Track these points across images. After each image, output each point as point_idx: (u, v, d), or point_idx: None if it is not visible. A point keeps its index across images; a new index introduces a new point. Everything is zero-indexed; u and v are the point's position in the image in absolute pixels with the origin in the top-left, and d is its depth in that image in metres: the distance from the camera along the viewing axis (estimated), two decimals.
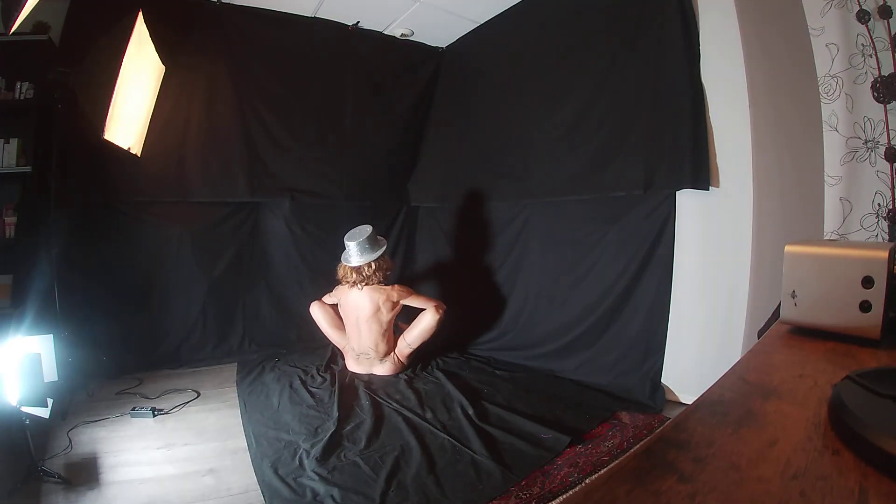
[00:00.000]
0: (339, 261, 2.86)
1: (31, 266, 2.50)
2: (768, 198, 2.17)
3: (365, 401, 2.38)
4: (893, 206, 1.70)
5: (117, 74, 2.54)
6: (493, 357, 3.13)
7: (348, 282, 2.79)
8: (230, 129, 3.19)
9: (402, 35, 3.66)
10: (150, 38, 2.70)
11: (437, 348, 3.24)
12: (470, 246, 3.62)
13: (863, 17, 1.72)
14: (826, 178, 1.86)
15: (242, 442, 2.04)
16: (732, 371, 0.61)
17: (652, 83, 2.43)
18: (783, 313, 0.75)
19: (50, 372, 2.11)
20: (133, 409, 2.26)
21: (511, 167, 3.24)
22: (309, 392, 2.51)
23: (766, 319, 0.97)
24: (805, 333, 0.73)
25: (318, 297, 3.07)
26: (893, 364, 0.61)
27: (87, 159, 2.70)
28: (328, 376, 2.74)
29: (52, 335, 2.23)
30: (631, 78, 2.53)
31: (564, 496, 1.63)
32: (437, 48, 3.90)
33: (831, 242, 0.79)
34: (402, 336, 2.89)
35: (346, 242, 2.81)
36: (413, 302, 2.86)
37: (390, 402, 2.37)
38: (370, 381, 2.70)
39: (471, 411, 2.21)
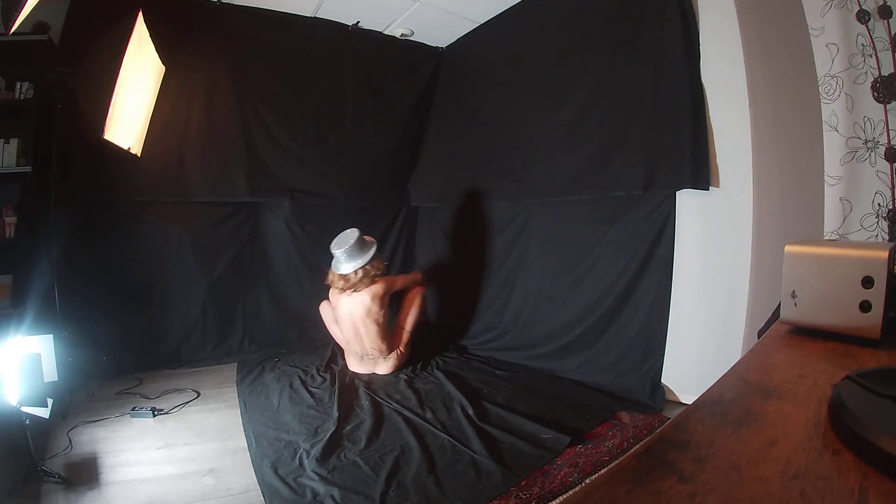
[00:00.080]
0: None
1: (31, 266, 2.50)
2: (768, 198, 2.17)
3: (365, 401, 2.38)
4: (893, 206, 1.70)
5: (117, 74, 2.54)
6: (493, 357, 3.13)
7: (337, 287, 2.79)
8: (230, 129, 3.19)
9: (402, 35, 3.66)
10: (150, 38, 2.70)
11: (437, 348, 3.25)
12: (470, 246, 3.62)
13: (863, 17, 1.72)
14: (826, 178, 1.86)
15: (242, 442, 2.04)
16: (732, 371, 0.61)
17: (652, 83, 2.43)
18: (783, 313, 0.75)
19: (50, 372, 2.11)
20: (133, 409, 2.26)
21: (511, 167, 3.24)
22: (309, 392, 2.51)
23: (766, 319, 0.97)
24: (805, 333, 0.73)
25: (318, 297, 3.07)
26: (893, 364, 0.61)
27: (87, 159, 2.70)
28: (328, 376, 2.74)
29: (52, 335, 2.23)
30: (631, 78, 2.53)
31: (564, 496, 1.63)
32: (437, 48, 3.90)
33: (831, 242, 0.79)
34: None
35: (332, 251, 2.79)
36: (397, 286, 2.90)
37: (390, 402, 2.37)
38: (370, 380, 2.70)
39: (471, 411, 2.21)
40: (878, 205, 1.73)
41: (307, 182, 3.47)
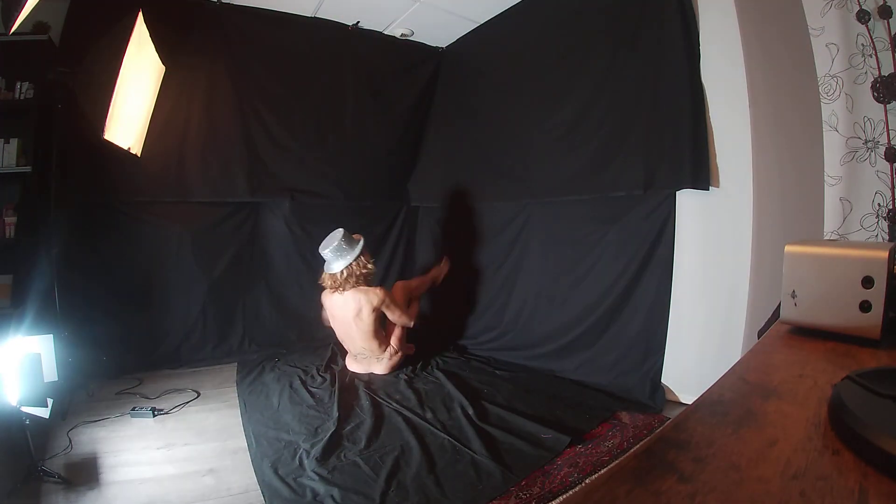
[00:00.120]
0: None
1: (31, 266, 2.50)
2: (768, 198, 2.17)
3: (365, 401, 2.38)
4: (893, 206, 1.70)
5: (117, 74, 2.54)
6: (493, 357, 3.13)
7: (327, 286, 2.78)
8: (230, 129, 3.19)
9: (402, 35, 3.66)
10: (150, 38, 2.70)
11: (437, 348, 3.25)
12: (470, 246, 3.62)
13: (863, 17, 1.72)
14: (826, 178, 1.86)
15: (242, 442, 2.04)
16: (732, 371, 0.61)
17: (652, 83, 2.43)
18: (783, 313, 0.75)
19: (50, 372, 2.11)
20: (133, 409, 2.26)
21: (511, 167, 3.24)
22: (309, 392, 2.51)
23: (766, 319, 0.97)
24: (805, 333, 0.73)
25: (318, 298, 3.07)
26: (893, 364, 0.61)
27: (87, 159, 2.70)
28: (328, 376, 2.74)
29: (52, 335, 2.23)
30: (631, 78, 2.53)
31: (564, 496, 1.63)
32: (437, 48, 3.90)
33: (831, 242, 0.79)
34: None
35: (320, 252, 2.78)
36: (388, 312, 2.81)
37: (390, 402, 2.37)
38: (370, 380, 2.70)
39: (471, 411, 2.21)
40: (878, 205, 1.73)
41: (307, 182, 3.47)
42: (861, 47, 1.74)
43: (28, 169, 2.53)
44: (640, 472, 0.38)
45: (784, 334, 0.75)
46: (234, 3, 3.12)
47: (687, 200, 2.39)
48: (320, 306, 2.92)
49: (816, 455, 0.39)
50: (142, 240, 3.00)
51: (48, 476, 1.66)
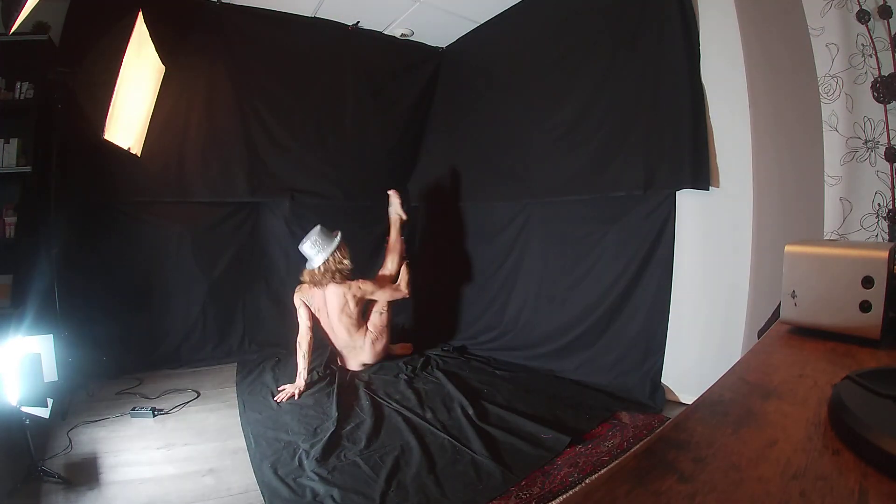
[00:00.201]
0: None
1: (31, 266, 2.50)
2: (768, 198, 2.17)
3: (365, 401, 2.38)
4: (893, 206, 1.70)
5: (117, 74, 2.55)
6: (493, 357, 3.13)
7: (306, 282, 2.79)
8: (230, 129, 3.19)
9: (402, 35, 3.66)
10: (150, 38, 2.71)
11: (437, 348, 3.25)
12: (470, 246, 3.62)
13: (863, 17, 1.72)
14: (826, 178, 1.86)
15: (242, 442, 2.04)
16: (732, 371, 0.61)
17: (652, 83, 2.43)
18: (783, 313, 0.75)
19: (50, 372, 2.11)
20: (133, 409, 2.26)
21: (511, 167, 3.24)
22: (308, 392, 2.51)
23: (766, 319, 0.97)
24: (805, 333, 0.73)
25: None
26: (893, 364, 0.61)
27: (87, 159, 2.70)
28: (328, 376, 2.73)
29: (52, 335, 2.23)
30: (631, 78, 2.53)
31: (564, 496, 1.63)
32: (437, 48, 3.89)
33: (831, 242, 0.79)
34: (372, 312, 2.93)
35: (300, 249, 2.81)
36: (380, 295, 2.89)
37: (390, 402, 2.37)
38: (370, 380, 2.70)
39: (471, 411, 2.21)
40: (878, 205, 1.73)
41: (307, 182, 3.47)
42: (861, 47, 1.74)
43: (28, 169, 2.53)
44: (640, 472, 0.38)
45: (784, 334, 0.75)
46: (234, 3, 3.12)
47: (687, 200, 2.39)
48: (292, 316, 2.83)
49: (816, 455, 0.39)
50: (142, 240, 3.00)
51: (48, 476, 1.66)
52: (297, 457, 1.86)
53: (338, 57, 3.52)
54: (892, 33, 1.67)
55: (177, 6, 2.97)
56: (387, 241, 3.21)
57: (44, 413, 1.79)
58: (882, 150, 1.72)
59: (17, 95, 2.57)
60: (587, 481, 1.74)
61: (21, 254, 2.53)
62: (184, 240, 3.11)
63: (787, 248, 0.74)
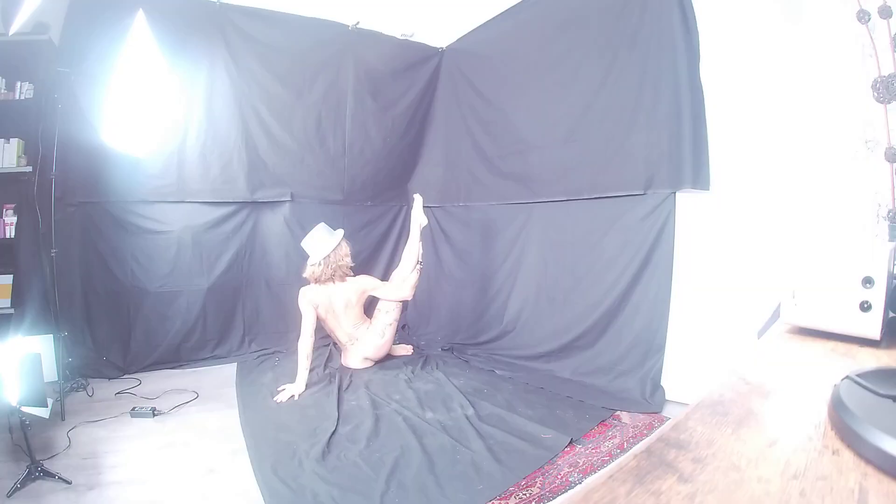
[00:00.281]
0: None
1: (31, 266, 2.50)
2: (768, 198, 2.17)
3: (365, 401, 2.38)
4: (893, 206, 1.70)
5: (117, 74, 2.55)
6: (493, 357, 3.13)
7: (308, 276, 2.82)
8: (230, 129, 3.19)
9: (402, 35, 3.66)
10: (150, 38, 2.71)
11: (437, 348, 3.25)
12: (470, 246, 3.62)
13: (863, 17, 1.72)
14: (826, 178, 1.86)
15: (242, 442, 2.03)
16: (732, 371, 0.61)
17: (652, 83, 2.43)
18: (783, 313, 0.75)
19: (50, 372, 2.11)
20: (133, 409, 2.26)
21: (511, 167, 3.24)
22: (308, 392, 2.51)
23: (766, 319, 0.97)
24: (805, 333, 0.74)
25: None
26: (893, 364, 0.61)
27: (87, 159, 2.70)
28: (328, 376, 2.73)
29: (52, 335, 2.23)
30: (631, 78, 2.53)
31: (564, 496, 1.63)
32: (437, 48, 3.90)
33: (831, 242, 0.79)
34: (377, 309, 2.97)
35: (302, 245, 2.85)
36: (381, 292, 2.94)
37: (390, 402, 2.37)
38: (370, 380, 2.70)
39: (471, 411, 2.21)
40: (879, 205, 1.73)
41: (307, 182, 3.47)
42: (861, 47, 1.74)
43: (28, 169, 2.53)
44: (640, 472, 0.38)
45: (784, 334, 0.75)
46: (234, 3, 3.12)
47: (687, 200, 2.39)
48: (292, 316, 2.83)
49: (816, 455, 0.39)
50: (142, 240, 3.00)
51: (48, 476, 1.66)
52: (297, 457, 1.86)
53: (338, 57, 3.52)
54: (892, 33, 1.67)
55: (177, 6, 2.97)
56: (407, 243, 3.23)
57: (44, 413, 1.79)
58: (882, 150, 1.71)
59: (17, 95, 2.57)
60: (587, 481, 1.73)
61: (21, 254, 2.53)
62: (184, 240, 3.11)
63: (787, 249, 0.74)
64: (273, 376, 2.76)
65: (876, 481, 0.35)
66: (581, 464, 1.83)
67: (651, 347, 2.48)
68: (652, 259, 2.49)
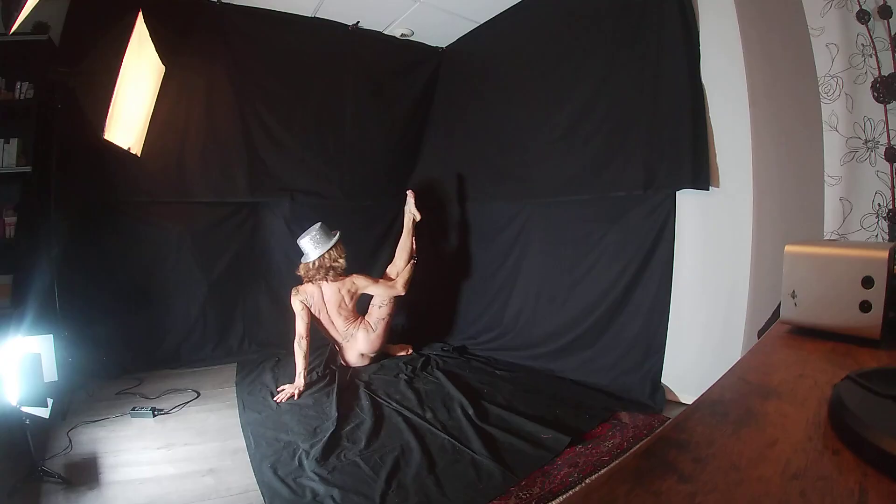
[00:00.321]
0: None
1: (31, 266, 2.50)
2: (768, 198, 2.17)
3: (365, 401, 2.38)
4: (893, 206, 1.70)
5: (117, 74, 2.54)
6: (493, 357, 3.13)
7: (301, 274, 2.85)
8: (230, 129, 3.19)
9: (402, 35, 3.66)
10: (150, 38, 2.70)
11: (437, 348, 3.25)
12: (470, 246, 3.62)
13: (863, 17, 1.72)
14: (826, 178, 1.86)
15: (242, 442, 2.04)
16: (732, 371, 0.61)
17: (652, 83, 2.43)
18: (783, 313, 0.75)
19: (50, 372, 2.11)
20: (133, 409, 2.26)
21: (511, 167, 3.24)
22: (308, 392, 2.51)
23: (766, 319, 0.97)
24: (805, 333, 0.73)
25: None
26: (893, 364, 0.61)
27: (87, 159, 2.70)
28: (327, 376, 2.73)
29: (52, 335, 2.22)
30: (631, 78, 2.53)
31: (564, 496, 1.63)
32: (437, 48, 3.89)
33: (831, 242, 0.79)
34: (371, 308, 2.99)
35: (298, 243, 2.88)
36: (375, 290, 2.95)
37: (390, 402, 2.37)
38: (370, 380, 2.70)
39: (471, 411, 2.21)
40: (878, 205, 1.73)
41: (307, 182, 3.47)
42: (861, 47, 1.74)
43: (28, 169, 2.53)
44: (640, 472, 0.38)
45: (784, 334, 0.75)
46: (234, 3, 3.12)
47: (687, 200, 2.39)
48: (292, 316, 2.79)
49: (816, 455, 0.39)
50: (142, 240, 3.00)
51: (48, 476, 1.66)
52: (297, 457, 1.86)
53: (338, 57, 3.52)
54: (892, 33, 1.67)
55: (177, 6, 2.97)
56: (399, 238, 3.27)
57: (44, 413, 1.79)
58: (882, 150, 1.71)
59: (17, 95, 2.57)
60: (587, 481, 1.73)
61: (21, 254, 2.54)
62: (184, 240, 3.11)
63: (787, 249, 0.74)
64: (273, 376, 2.76)
65: (876, 481, 0.35)
66: (581, 464, 1.83)
67: (651, 347, 2.48)
68: (652, 259, 2.49)
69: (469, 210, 3.65)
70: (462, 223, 3.68)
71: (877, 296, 0.65)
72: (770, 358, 0.68)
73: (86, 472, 1.76)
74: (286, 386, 2.53)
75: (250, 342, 3.28)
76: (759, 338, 0.86)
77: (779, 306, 0.76)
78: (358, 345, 2.92)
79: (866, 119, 1.75)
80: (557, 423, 2.10)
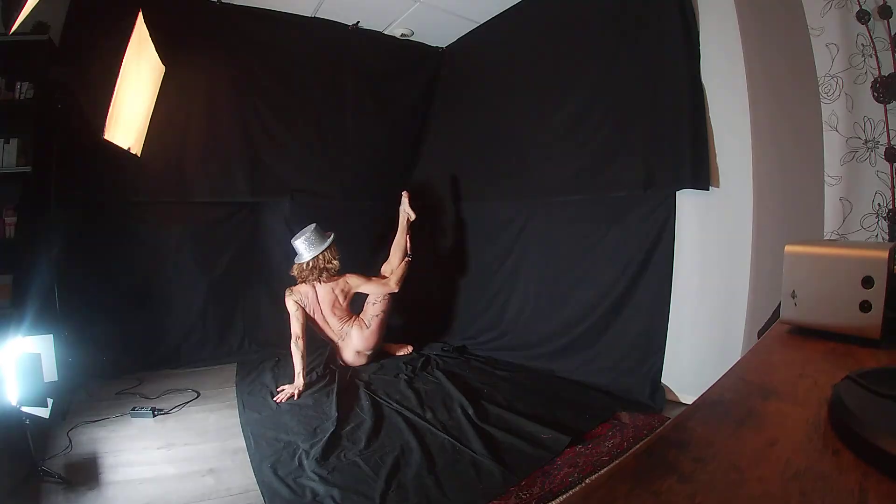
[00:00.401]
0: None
1: (31, 266, 2.50)
2: (768, 198, 2.17)
3: (365, 401, 2.38)
4: (893, 206, 1.70)
5: (117, 74, 2.54)
6: (493, 357, 3.13)
7: (295, 274, 2.87)
8: (230, 129, 3.19)
9: (402, 35, 3.66)
10: (150, 38, 2.70)
11: (437, 348, 3.25)
12: (470, 246, 3.62)
13: (863, 17, 1.72)
14: (826, 178, 1.86)
15: (242, 442, 2.03)
16: (732, 371, 0.61)
17: (652, 83, 2.43)
18: (783, 313, 0.75)
19: (50, 372, 2.11)
20: (133, 409, 2.26)
21: (511, 167, 3.24)
22: (308, 392, 2.51)
23: (766, 319, 0.97)
24: (805, 333, 0.73)
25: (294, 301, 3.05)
26: (893, 364, 0.60)
27: (87, 159, 2.70)
28: (327, 376, 2.73)
29: (52, 335, 2.23)
30: (631, 77, 2.53)
31: (564, 496, 1.63)
32: (437, 48, 3.89)
33: (831, 242, 0.79)
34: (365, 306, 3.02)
35: (292, 243, 2.89)
36: (369, 288, 2.97)
37: (390, 402, 2.37)
38: (370, 380, 2.70)
39: (471, 411, 2.21)
40: (878, 205, 1.73)
41: (307, 182, 3.47)
42: (861, 47, 1.74)
43: (28, 169, 2.53)
44: (640, 472, 0.38)
45: (784, 334, 0.75)
46: (234, 3, 3.12)
47: (687, 200, 2.39)
48: (287, 317, 2.77)
49: (816, 455, 0.39)
50: (142, 240, 3.00)
51: (48, 476, 1.66)
52: (297, 457, 1.86)
53: (338, 57, 3.52)
54: (892, 33, 1.67)
55: (177, 6, 2.97)
56: (393, 237, 3.28)
57: (44, 413, 1.79)
58: (882, 150, 1.72)
59: (17, 95, 2.57)
60: (587, 481, 1.73)
61: (21, 254, 2.53)
62: (184, 240, 3.11)
63: (787, 249, 0.74)
64: (273, 376, 2.76)
65: (876, 481, 0.35)
66: (581, 464, 1.83)
67: (651, 347, 2.48)
68: (652, 259, 2.49)
69: (469, 210, 3.65)
70: (462, 223, 3.69)
71: (877, 296, 0.65)
72: (770, 358, 0.68)
73: (86, 472, 1.76)
74: (286, 386, 2.53)
75: (250, 342, 3.28)
76: (759, 338, 0.86)
77: (779, 306, 0.76)
78: (353, 342, 2.93)
79: (866, 119, 1.75)
80: (557, 423, 2.10)
